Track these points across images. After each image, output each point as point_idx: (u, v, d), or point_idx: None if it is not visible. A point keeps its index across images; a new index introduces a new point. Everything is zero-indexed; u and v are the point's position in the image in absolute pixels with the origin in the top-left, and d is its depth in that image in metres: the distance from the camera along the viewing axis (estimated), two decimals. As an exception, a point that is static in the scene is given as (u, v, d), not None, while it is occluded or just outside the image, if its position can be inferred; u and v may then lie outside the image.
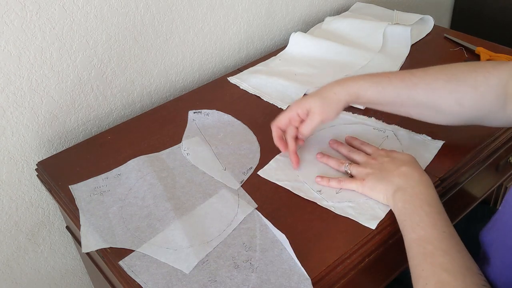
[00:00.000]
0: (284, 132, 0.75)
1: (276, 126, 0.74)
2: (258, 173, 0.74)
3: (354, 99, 0.70)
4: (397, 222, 0.65)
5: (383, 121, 0.81)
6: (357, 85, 0.69)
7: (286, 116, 0.73)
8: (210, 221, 0.66)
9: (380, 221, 0.64)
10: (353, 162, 0.71)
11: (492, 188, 0.89)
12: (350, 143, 0.76)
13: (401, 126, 0.79)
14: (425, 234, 0.57)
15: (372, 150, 0.72)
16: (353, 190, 0.68)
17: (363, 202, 0.67)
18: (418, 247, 0.57)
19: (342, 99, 0.69)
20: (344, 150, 0.74)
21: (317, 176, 0.71)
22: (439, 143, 0.75)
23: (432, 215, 0.59)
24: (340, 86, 0.70)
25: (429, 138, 0.76)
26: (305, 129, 0.72)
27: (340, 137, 0.79)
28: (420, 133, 0.77)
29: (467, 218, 0.87)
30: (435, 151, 0.74)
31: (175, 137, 0.84)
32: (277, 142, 0.75)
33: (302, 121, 0.72)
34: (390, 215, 0.65)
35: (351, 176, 0.70)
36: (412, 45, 1.02)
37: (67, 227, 0.91)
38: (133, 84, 0.96)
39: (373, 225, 0.64)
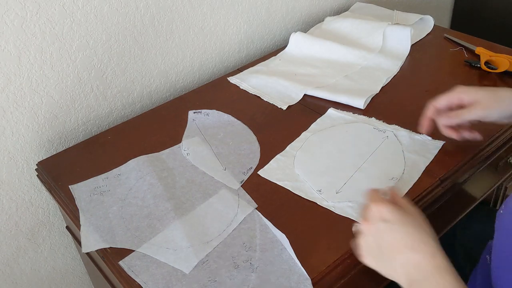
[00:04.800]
0: (438, 112, 0.71)
1: (433, 105, 0.71)
2: (259, 173, 0.74)
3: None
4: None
5: (383, 121, 0.81)
6: None
7: (447, 99, 0.70)
8: (210, 221, 0.66)
9: (380, 221, 0.64)
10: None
11: (492, 188, 0.89)
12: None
13: (401, 126, 0.79)
14: None
15: (368, 204, 0.57)
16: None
17: (363, 202, 0.67)
18: None
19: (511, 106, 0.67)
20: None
21: (355, 224, 0.59)
22: (439, 143, 0.75)
23: None
24: None
25: (429, 138, 0.76)
26: (463, 116, 0.68)
27: (340, 136, 0.79)
28: (420, 133, 0.77)
29: (467, 218, 0.87)
30: (435, 151, 0.74)
31: (175, 137, 0.84)
32: (424, 120, 0.72)
33: (459, 107, 0.69)
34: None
35: None
36: (412, 45, 1.02)
37: (67, 227, 0.91)
38: (133, 84, 0.96)
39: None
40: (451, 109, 0.71)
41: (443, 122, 0.71)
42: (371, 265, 0.55)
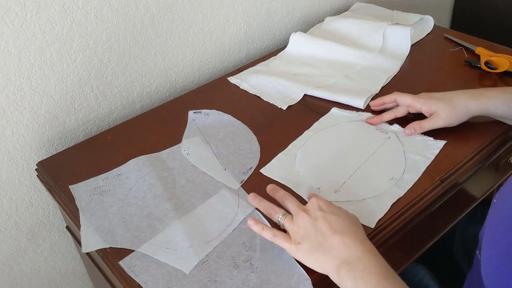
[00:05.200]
0: (395, 105, 0.79)
1: (396, 97, 0.78)
2: (261, 171, 0.74)
3: (482, 113, 0.73)
4: (398, 222, 0.66)
5: (385, 122, 0.81)
6: (490, 102, 0.71)
7: (409, 100, 0.76)
8: (210, 221, 0.66)
9: (380, 221, 0.64)
10: (286, 211, 0.62)
11: (492, 188, 0.89)
12: (273, 196, 0.66)
13: (402, 126, 0.79)
14: None
15: (308, 197, 0.63)
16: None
17: (362, 201, 0.67)
18: None
19: (471, 112, 0.73)
20: (279, 196, 0.65)
21: (250, 218, 0.62)
22: (440, 143, 0.75)
23: None
24: (474, 100, 0.72)
25: (431, 138, 0.76)
26: (427, 126, 0.75)
27: (342, 135, 0.79)
28: (421, 134, 0.77)
29: (467, 218, 0.87)
30: (436, 151, 0.74)
31: (175, 137, 0.84)
32: (378, 101, 0.81)
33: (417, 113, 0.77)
34: (391, 215, 0.65)
35: (284, 229, 0.61)
36: (412, 45, 1.02)
37: (67, 227, 0.91)
38: (133, 84, 0.96)
39: (372, 224, 0.64)
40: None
41: (406, 133, 0.76)
42: (302, 256, 0.57)
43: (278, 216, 0.61)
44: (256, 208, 0.67)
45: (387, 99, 0.81)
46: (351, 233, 0.56)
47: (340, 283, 0.54)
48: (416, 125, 0.75)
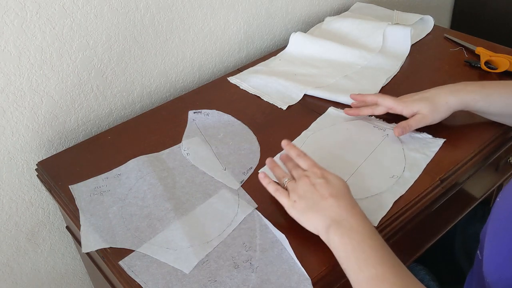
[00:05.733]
0: (374, 105, 0.80)
1: (378, 100, 0.79)
2: (260, 171, 0.74)
3: (463, 108, 0.74)
4: (397, 222, 0.66)
5: (383, 120, 0.81)
6: (470, 97, 0.72)
7: (391, 104, 0.77)
8: (210, 221, 0.66)
9: (380, 220, 0.64)
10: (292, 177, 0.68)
11: (492, 188, 0.89)
12: (288, 153, 0.71)
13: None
14: (376, 272, 0.53)
15: (308, 165, 0.66)
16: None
17: (364, 199, 0.67)
18: (373, 287, 0.53)
19: (452, 107, 0.74)
20: (289, 165, 0.70)
21: (261, 171, 0.69)
22: (440, 141, 0.75)
23: (378, 249, 0.55)
24: (453, 95, 0.73)
25: (430, 136, 0.76)
26: (413, 124, 0.75)
27: (341, 135, 0.79)
28: (420, 132, 0.77)
29: (467, 218, 0.87)
30: (436, 149, 0.74)
31: (175, 137, 0.84)
32: (358, 97, 0.82)
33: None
34: (391, 215, 0.65)
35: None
36: (412, 45, 1.02)
37: (67, 227, 0.91)
38: (133, 84, 0.96)
39: (375, 223, 0.64)
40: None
41: (397, 133, 0.76)
42: (296, 214, 0.62)
43: (285, 179, 0.67)
44: (256, 209, 0.67)
45: (369, 99, 0.81)
46: (345, 198, 0.61)
47: (328, 240, 0.58)
48: (404, 125, 0.76)
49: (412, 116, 0.76)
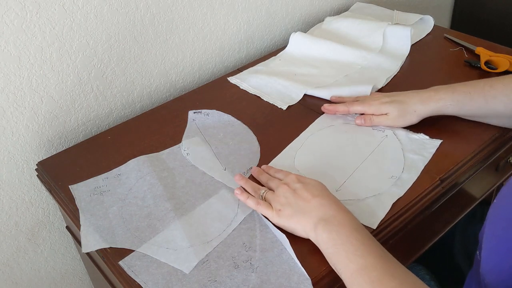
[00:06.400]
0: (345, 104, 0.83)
1: (348, 109, 0.82)
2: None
3: (434, 114, 0.76)
4: (397, 222, 0.66)
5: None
6: (438, 104, 0.74)
7: (361, 109, 0.81)
8: (210, 221, 0.66)
9: (381, 221, 0.64)
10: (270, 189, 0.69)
11: (492, 188, 0.89)
12: (267, 172, 0.73)
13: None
14: (366, 262, 0.54)
15: (283, 175, 0.69)
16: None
17: (363, 200, 0.67)
18: (363, 276, 0.54)
19: (421, 115, 0.76)
20: (263, 178, 0.71)
21: (237, 188, 0.69)
22: (436, 142, 0.75)
23: (365, 241, 0.57)
24: (422, 104, 0.75)
25: (427, 137, 0.76)
26: (376, 121, 0.79)
27: (340, 135, 0.79)
28: (417, 133, 0.77)
29: (466, 219, 0.87)
30: (433, 150, 0.74)
31: (175, 137, 0.84)
32: (331, 108, 0.84)
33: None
34: (391, 215, 0.65)
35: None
36: (412, 45, 1.02)
37: (67, 227, 0.91)
38: (133, 84, 0.96)
39: (374, 225, 0.64)
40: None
41: (356, 122, 0.81)
42: (283, 221, 0.63)
43: (261, 191, 0.68)
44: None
45: (341, 110, 0.83)
46: (327, 197, 0.63)
47: (317, 238, 0.59)
48: (367, 117, 0.80)
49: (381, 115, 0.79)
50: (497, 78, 0.74)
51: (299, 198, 0.63)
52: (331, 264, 0.58)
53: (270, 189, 0.68)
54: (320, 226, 0.59)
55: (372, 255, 0.55)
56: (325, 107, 0.85)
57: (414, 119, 0.77)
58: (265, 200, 0.67)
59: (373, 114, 0.80)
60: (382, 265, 0.54)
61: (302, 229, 0.61)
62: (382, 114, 0.78)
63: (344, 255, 0.56)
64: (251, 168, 0.75)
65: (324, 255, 0.58)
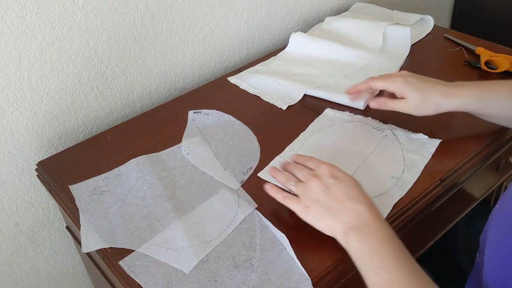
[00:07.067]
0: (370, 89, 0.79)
1: (370, 84, 0.77)
2: (258, 174, 0.74)
3: (454, 110, 0.72)
4: (398, 222, 0.66)
5: (379, 121, 0.81)
6: (460, 100, 0.70)
7: (384, 85, 0.75)
8: (210, 221, 0.66)
9: (380, 221, 0.64)
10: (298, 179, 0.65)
11: (492, 188, 0.89)
12: (295, 161, 0.69)
13: (397, 126, 0.79)
14: (393, 278, 0.52)
15: (315, 165, 0.64)
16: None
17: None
18: None
19: (441, 109, 0.72)
20: (291, 168, 0.67)
21: (267, 183, 0.66)
22: (436, 142, 0.75)
23: (395, 254, 0.54)
24: (444, 98, 0.71)
25: (426, 137, 0.76)
26: (392, 106, 0.75)
27: (339, 136, 0.79)
28: (416, 132, 0.77)
29: (467, 218, 0.87)
30: (432, 150, 0.74)
31: (175, 137, 0.84)
32: (354, 89, 0.80)
33: (391, 94, 0.76)
34: (391, 215, 0.65)
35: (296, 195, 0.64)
36: (412, 45, 1.02)
37: (67, 227, 0.91)
38: (133, 84, 0.96)
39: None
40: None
41: (371, 104, 0.77)
42: (311, 219, 0.60)
43: (290, 183, 0.64)
44: (256, 209, 0.67)
45: (362, 87, 0.79)
46: (363, 200, 0.59)
47: (347, 244, 0.57)
48: (382, 101, 0.76)
49: (401, 97, 0.74)
50: None
51: (332, 197, 0.59)
52: (358, 268, 0.56)
53: (299, 180, 0.64)
54: (351, 234, 0.56)
55: (400, 270, 0.53)
56: (347, 89, 0.81)
57: (432, 112, 0.72)
58: (294, 193, 0.63)
59: (391, 98, 0.75)
60: (410, 282, 0.52)
61: (330, 231, 0.59)
62: (400, 99, 0.74)
63: (372, 267, 0.54)
64: (251, 168, 0.75)
65: (353, 259, 0.56)
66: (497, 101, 0.70)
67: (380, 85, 0.76)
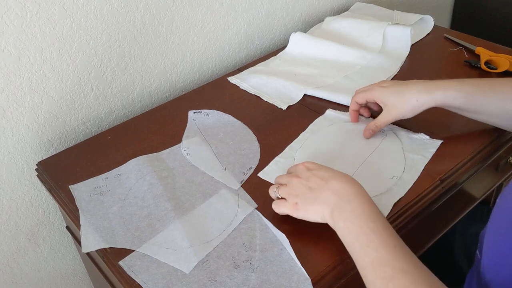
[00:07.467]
0: (360, 105, 0.80)
1: (355, 100, 0.79)
2: (258, 175, 0.74)
3: (437, 106, 0.71)
4: (398, 222, 0.66)
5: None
6: (444, 95, 0.70)
7: (364, 97, 0.77)
8: (210, 221, 0.66)
9: (380, 221, 0.64)
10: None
11: (492, 188, 0.89)
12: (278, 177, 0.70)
13: (398, 126, 0.79)
14: (379, 255, 0.53)
15: (292, 168, 0.67)
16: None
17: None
18: (375, 271, 0.53)
19: (424, 106, 0.71)
20: (276, 179, 0.69)
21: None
22: (437, 142, 0.75)
23: (379, 232, 0.55)
24: (427, 94, 0.70)
25: (427, 137, 0.76)
26: (381, 123, 0.75)
27: (340, 136, 0.79)
28: (417, 132, 0.77)
29: (467, 218, 0.87)
30: (433, 150, 0.74)
31: (175, 137, 0.84)
32: (351, 113, 0.82)
33: (376, 103, 0.78)
34: (391, 215, 0.65)
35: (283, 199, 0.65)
36: (412, 45, 1.02)
37: (67, 227, 0.91)
38: (133, 84, 0.96)
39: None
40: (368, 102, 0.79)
41: (366, 136, 0.78)
42: (302, 212, 0.61)
43: (274, 189, 0.66)
44: (256, 209, 0.67)
45: (354, 108, 0.81)
46: (340, 177, 0.60)
47: (334, 225, 0.58)
48: (372, 125, 0.76)
49: (383, 106, 0.75)
50: (509, 78, 0.70)
51: (313, 186, 0.61)
52: (348, 250, 0.57)
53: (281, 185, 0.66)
54: (336, 213, 0.58)
55: (386, 248, 0.53)
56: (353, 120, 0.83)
57: (416, 110, 0.72)
58: (282, 198, 0.65)
59: (374, 118, 0.77)
60: (396, 259, 0.52)
61: (320, 218, 0.60)
62: (384, 110, 0.74)
63: (358, 246, 0.55)
64: (251, 168, 0.75)
65: (342, 241, 0.58)
66: (480, 96, 0.69)
67: (361, 97, 0.78)
